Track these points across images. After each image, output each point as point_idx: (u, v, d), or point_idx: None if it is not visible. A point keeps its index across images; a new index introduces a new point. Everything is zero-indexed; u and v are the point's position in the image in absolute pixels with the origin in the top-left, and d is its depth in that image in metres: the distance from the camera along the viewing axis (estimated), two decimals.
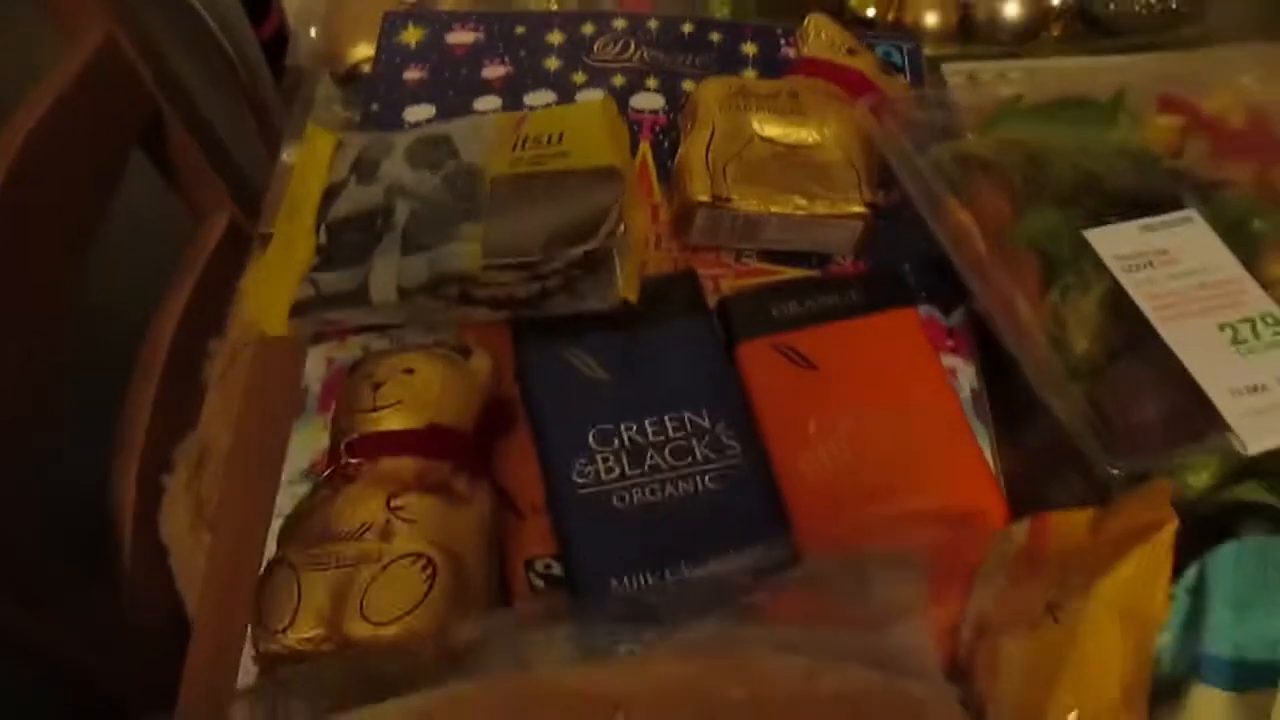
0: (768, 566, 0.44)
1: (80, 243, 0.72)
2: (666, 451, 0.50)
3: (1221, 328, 0.45)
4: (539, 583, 0.48)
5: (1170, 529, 0.39)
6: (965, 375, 0.56)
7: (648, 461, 0.49)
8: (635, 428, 0.50)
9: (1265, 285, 0.48)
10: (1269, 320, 0.46)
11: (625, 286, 0.51)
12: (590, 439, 0.50)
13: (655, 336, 0.53)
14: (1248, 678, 0.37)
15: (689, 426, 0.50)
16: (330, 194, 0.56)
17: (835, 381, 0.53)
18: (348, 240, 0.54)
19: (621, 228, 0.51)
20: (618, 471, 0.49)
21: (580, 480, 0.49)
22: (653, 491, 0.49)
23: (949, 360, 0.56)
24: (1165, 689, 0.40)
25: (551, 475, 0.49)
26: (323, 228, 0.55)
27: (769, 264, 0.60)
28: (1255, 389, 0.43)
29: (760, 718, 0.29)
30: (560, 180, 0.53)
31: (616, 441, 0.50)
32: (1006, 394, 0.55)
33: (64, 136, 0.69)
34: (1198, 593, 0.41)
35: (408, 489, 0.45)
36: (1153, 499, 0.40)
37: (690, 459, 0.49)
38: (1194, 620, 0.40)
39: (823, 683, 0.30)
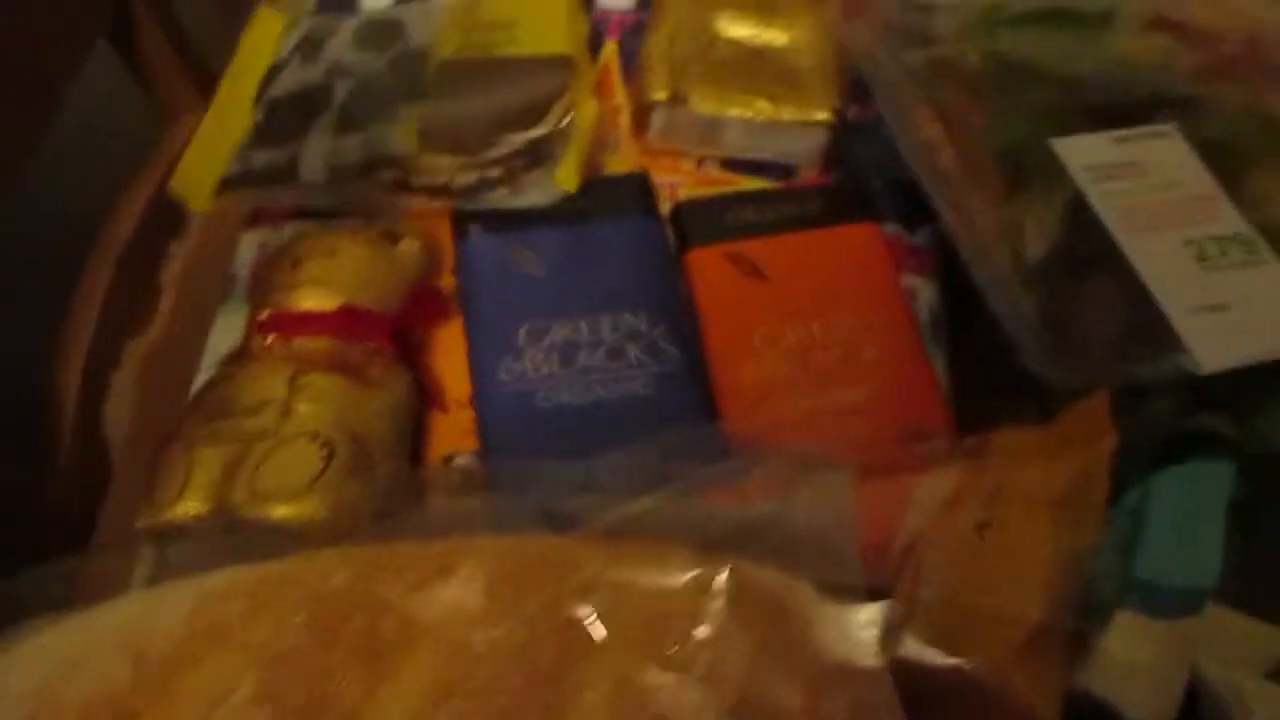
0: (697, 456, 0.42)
1: (35, 125, 0.70)
2: (600, 353, 0.47)
3: (1187, 244, 0.43)
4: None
5: (1108, 442, 0.37)
6: (925, 296, 0.53)
7: (579, 362, 0.47)
8: (570, 326, 0.48)
9: (1247, 204, 0.45)
10: (1240, 240, 0.43)
11: (565, 178, 0.48)
12: (521, 335, 0.47)
13: (600, 235, 0.51)
14: (1172, 604, 0.35)
15: (626, 329, 0.48)
16: (272, 72, 0.54)
17: (786, 293, 0.50)
18: (284, 118, 0.51)
19: (570, 118, 0.49)
20: (546, 370, 0.47)
21: (506, 377, 0.46)
22: (581, 393, 0.46)
23: (910, 280, 0.53)
24: (1098, 614, 0.37)
25: (478, 369, 0.47)
26: (261, 105, 0.52)
27: (731, 173, 0.57)
28: (1215, 308, 0.41)
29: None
30: (509, 66, 0.51)
31: (548, 339, 0.47)
32: (968, 322, 0.52)
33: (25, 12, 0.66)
34: (1138, 516, 0.38)
35: (314, 368, 0.43)
36: (1091, 413, 0.38)
37: (624, 361, 0.47)
38: (1131, 545, 0.38)
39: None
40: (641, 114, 0.55)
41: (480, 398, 0.46)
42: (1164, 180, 0.44)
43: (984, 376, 0.50)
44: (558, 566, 0.28)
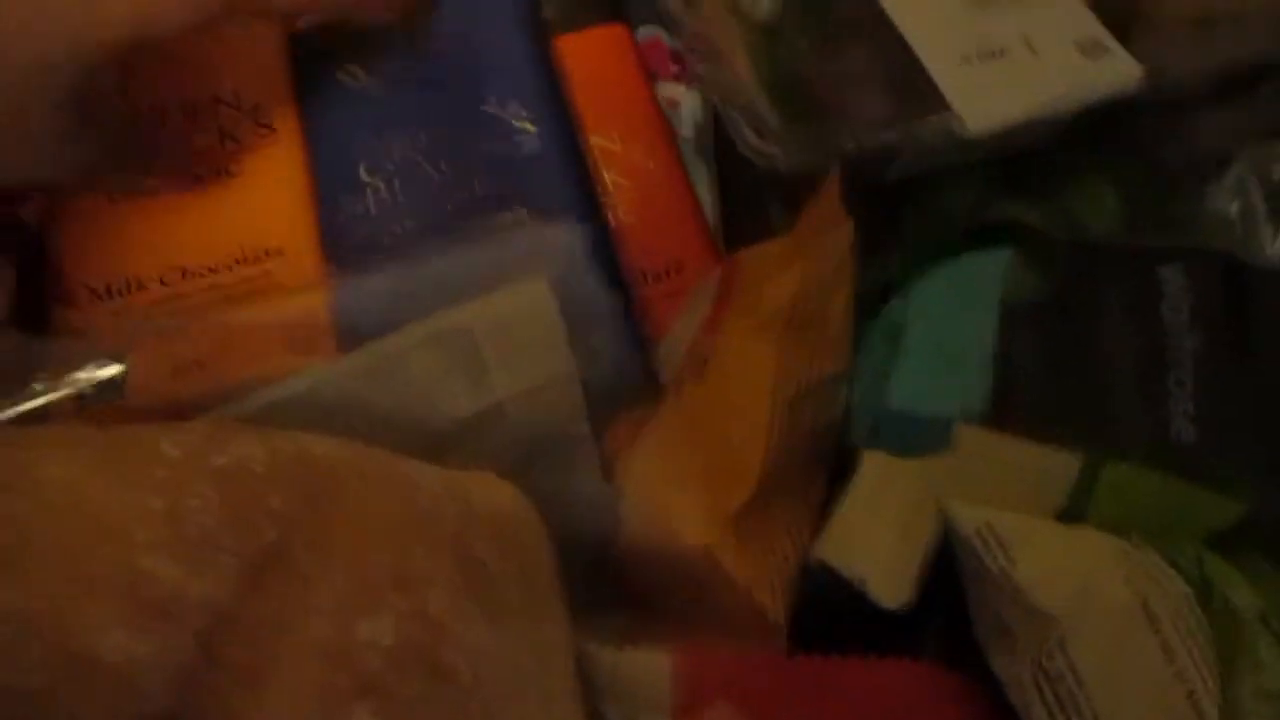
0: None
1: None
2: None
3: None
4: None
5: (842, 234, 0.28)
6: (689, 106, 0.43)
7: None
8: None
9: None
10: None
11: None
12: None
13: None
14: (926, 436, 0.26)
15: None
16: None
17: None
18: None
19: None
20: None
21: None
22: None
23: (670, 90, 0.44)
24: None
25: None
26: None
27: None
28: (991, 56, 0.31)
29: None
30: None
31: None
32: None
33: None
34: (897, 331, 0.30)
35: None
36: (826, 202, 0.28)
37: None
38: (888, 369, 0.29)
39: None
40: None
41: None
42: None
43: (756, 190, 0.41)
44: None
